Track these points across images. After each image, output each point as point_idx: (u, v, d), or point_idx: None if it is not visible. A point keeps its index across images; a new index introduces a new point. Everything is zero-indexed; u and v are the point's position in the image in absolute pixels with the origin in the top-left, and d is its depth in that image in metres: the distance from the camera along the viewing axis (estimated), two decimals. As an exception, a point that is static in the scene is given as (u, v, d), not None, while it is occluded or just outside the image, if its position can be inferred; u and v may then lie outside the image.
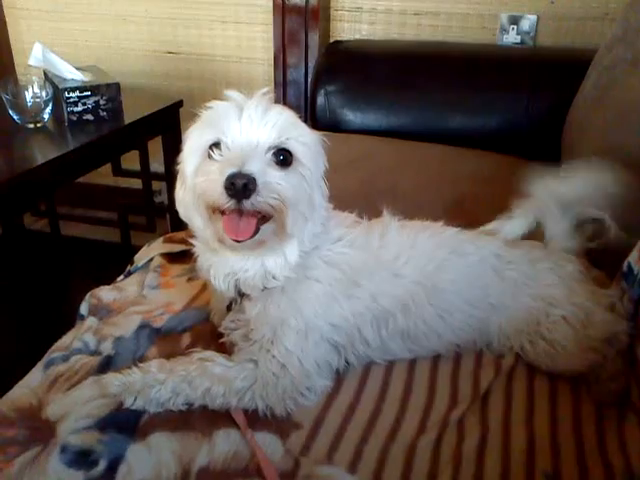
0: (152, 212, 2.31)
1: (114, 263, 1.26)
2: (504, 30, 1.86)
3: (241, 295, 0.81)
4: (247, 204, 0.69)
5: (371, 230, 0.87)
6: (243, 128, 0.72)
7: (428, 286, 0.85)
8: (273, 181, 0.70)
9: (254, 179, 0.68)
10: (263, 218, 0.72)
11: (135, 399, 0.76)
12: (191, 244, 0.84)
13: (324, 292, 0.80)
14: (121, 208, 2.26)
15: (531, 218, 0.94)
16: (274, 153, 0.72)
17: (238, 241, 0.71)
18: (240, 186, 0.67)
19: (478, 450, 0.74)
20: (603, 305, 0.87)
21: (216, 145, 0.73)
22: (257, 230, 0.72)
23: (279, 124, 0.73)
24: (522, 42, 1.85)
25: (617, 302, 0.87)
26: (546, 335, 0.86)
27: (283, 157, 0.73)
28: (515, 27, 1.84)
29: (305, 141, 0.74)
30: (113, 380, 0.78)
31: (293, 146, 0.73)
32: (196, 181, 0.73)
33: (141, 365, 0.80)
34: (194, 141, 0.75)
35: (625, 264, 0.87)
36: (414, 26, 1.94)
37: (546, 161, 1.46)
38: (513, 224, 0.94)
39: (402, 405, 0.81)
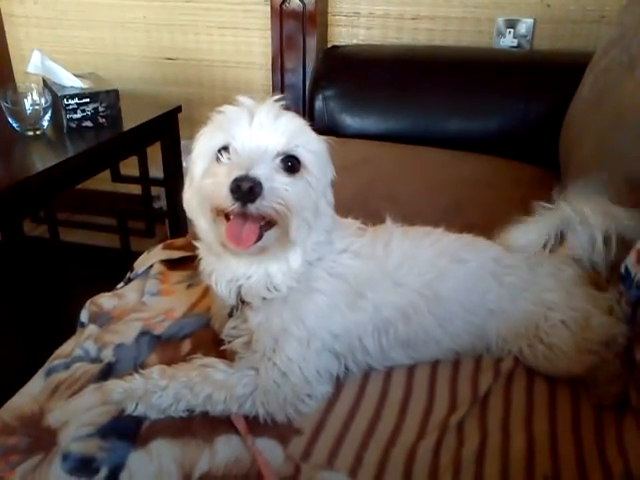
0: (151, 218, 2.32)
1: (113, 269, 1.26)
2: (501, 34, 1.86)
3: (242, 302, 0.82)
4: (252, 208, 0.69)
5: (376, 239, 0.86)
6: (253, 133, 0.72)
7: (429, 295, 0.85)
8: (279, 186, 0.70)
9: (260, 183, 0.68)
10: (267, 224, 0.72)
11: (136, 405, 0.76)
12: (191, 250, 0.85)
13: (327, 303, 0.80)
14: (120, 214, 2.26)
15: (545, 230, 0.93)
16: (282, 159, 0.72)
17: (240, 249, 0.72)
18: (246, 189, 0.67)
19: (478, 454, 0.74)
20: (601, 308, 0.87)
21: (225, 149, 0.73)
22: (260, 237, 0.72)
23: (289, 131, 0.73)
24: (519, 45, 1.86)
25: (615, 305, 0.87)
26: (544, 339, 0.86)
27: (291, 164, 0.73)
28: (512, 30, 1.85)
29: (313, 149, 0.75)
30: (114, 387, 0.78)
31: (301, 153, 0.73)
32: (203, 183, 0.73)
33: (142, 372, 0.80)
34: (204, 144, 0.76)
35: (622, 267, 0.87)
36: (411, 30, 1.95)
37: (544, 164, 1.49)
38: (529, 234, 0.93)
39: (402, 410, 0.81)
